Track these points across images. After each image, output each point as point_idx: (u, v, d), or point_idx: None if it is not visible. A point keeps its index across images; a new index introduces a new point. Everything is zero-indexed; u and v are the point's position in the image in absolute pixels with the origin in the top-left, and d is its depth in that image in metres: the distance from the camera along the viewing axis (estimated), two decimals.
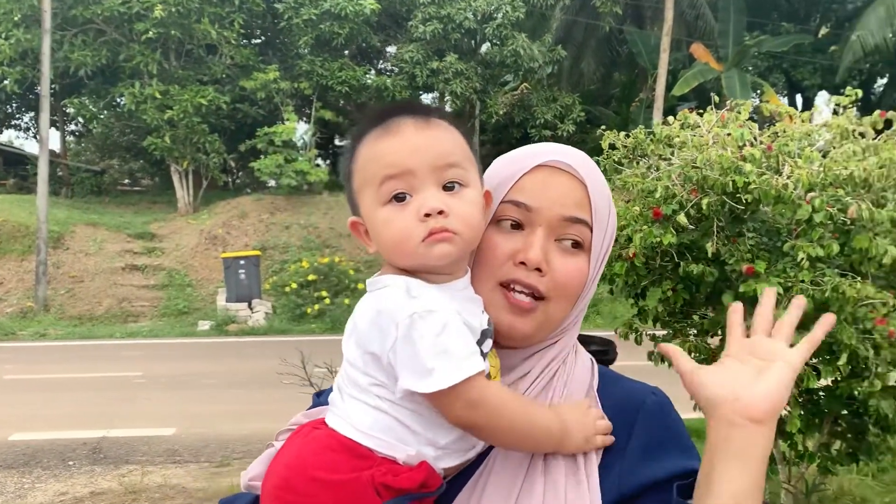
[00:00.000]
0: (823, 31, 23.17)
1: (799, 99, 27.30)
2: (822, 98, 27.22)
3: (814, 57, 24.19)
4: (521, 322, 1.06)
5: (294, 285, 16.31)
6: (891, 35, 20.07)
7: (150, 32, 18.77)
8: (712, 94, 4.78)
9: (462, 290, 1.04)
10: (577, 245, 1.08)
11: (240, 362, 11.66)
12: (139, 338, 14.36)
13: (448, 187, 1.01)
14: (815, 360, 3.75)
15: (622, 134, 4.48)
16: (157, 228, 20.13)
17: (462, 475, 1.04)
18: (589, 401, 1.09)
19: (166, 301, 16.76)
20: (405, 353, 0.94)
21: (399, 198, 1.00)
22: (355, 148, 1.07)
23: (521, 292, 1.06)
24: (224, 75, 20.90)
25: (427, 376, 0.93)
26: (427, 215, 0.98)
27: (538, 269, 1.05)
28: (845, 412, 4.08)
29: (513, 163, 1.12)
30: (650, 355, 4.53)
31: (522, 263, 1.05)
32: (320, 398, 1.24)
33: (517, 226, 1.08)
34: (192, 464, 6.85)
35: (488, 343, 1.03)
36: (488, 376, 0.99)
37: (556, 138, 21.82)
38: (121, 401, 9.03)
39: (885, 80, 26.88)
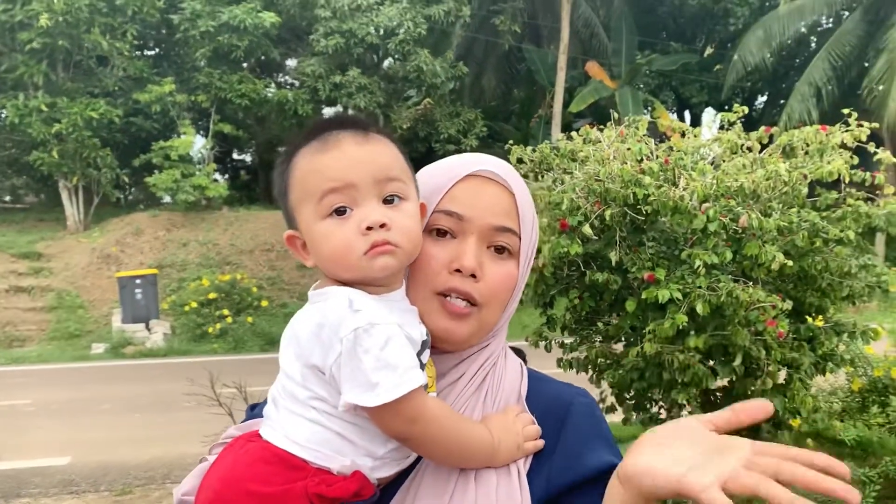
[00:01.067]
0: (709, 50, 24.48)
1: (687, 115, 28.71)
2: (708, 114, 28.77)
3: (700, 75, 25.53)
4: (458, 327, 1.09)
5: (194, 304, 15.79)
6: (769, 55, 21.43)
7: (35, 42, 17.82)
8: (611, 110, 4.99)
9: (399, 301, 1.06)
10: (506, 251, 1.12)
11: (139, 385, 11.18)
12: (26, 363, 13.54)
13: (388, 200, 1.02)
14: (712, 362, 3.97)
15: (529, 149, 4.61)
16: (45, 248, 19.07)
17: (394, 481, 1.06)
18: (518, 407, 1.12)
19: (56, 324, 15.88)
20: (350, 367, 0.95)
21: (340, 211, 1.01)
22: (291, 161, 1.06)
23: (457, 298, 1.09)
24: (116, 88, 20.09)
25: (371, 390, 0.94)
26: (369, 228, 0.99)
27: (473, 276, 1.08)
28: None
29: (443, 172, 1.15)
30: (559, 362, 4.68)
31: (458, 271, 1.08)
32: (254, 411, 1.24)
33: (449, 234, 1.11)
34: (90, 493, 6.52)
35: (426, 354, 1.05)
36: (426, 386, 1.01)
37: (459, 153, 21.98)
38: (9, 431, 8.49)
39: (765, 98, 28.63)
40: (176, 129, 20.83)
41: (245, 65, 21.20)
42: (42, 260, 18.35)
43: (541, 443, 1.09)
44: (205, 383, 5.64)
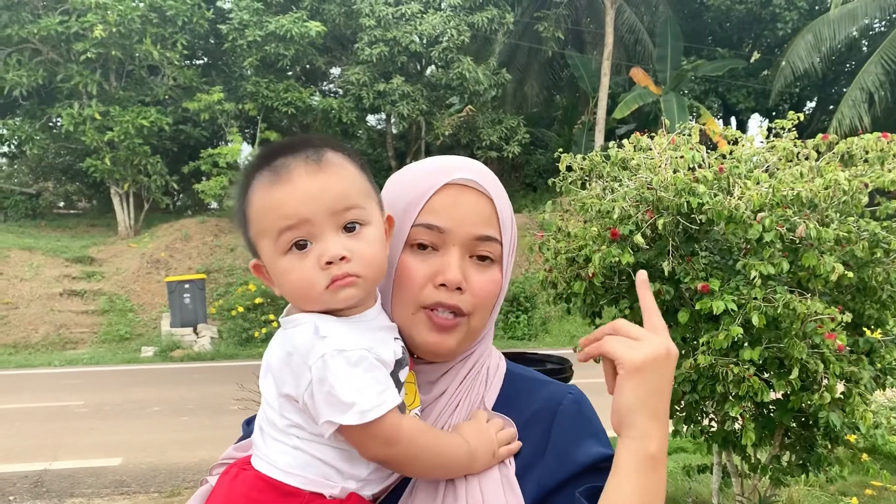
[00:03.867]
0: (756, 56, 24.04)
1: (733, 121, 28.26)
2: (755, 121, 28.27)
3: (747, 81, 25.12)
4: (446, 339, 1.08)
5: (240, 309, 16.05)
6: (818, 60, 20.98)
7: (90, 53, 18.36)
8: (662, 118, 4.93)
9: (373, 319, 1.05)
10: (489, 259, 1.11)
11: (187, 388, 11.38)
12: (79, 365, 13.89)
13: (348, 228, 1.01)
14: (767, 375, 3.88)
15: (579, 156, 4.58)
16: (97, 252, 19.57)
17: (391, 496, 1.07)
18: (485, 413, 1.10)
19: (107, 327, 16.27)
20: (321, 393, 0.95)
21: (300, 245, 0.99)
22: (246, 193, 1.04)
23: (444, 312, 1.08)
24: (166, 96, 20.56)
25: (346, 411, 0.94)
26: (329, 263, 0.98)
27: (458, 289, 1.07)
28: (794, 425, 4.22)
29: (419, 182, 1.12)
30: None
31: (443, 285, 1.07)
32: (249, 426, 1.23)
33: (430, 247, 1.09)
34: (140, 494, 6.65)
35: (404, 371, 1.04)
36: (402, 406, 1.01)
37: (501, 160, 22.11)
38: (63, 431, 8.72)
39: (813, 104, 28.05)
40: (224, 136, 21.24)
41: (291, 73, 21.50)
42: (94, 264, 18.83)
43: (516, 446, 1.08)
44: (251, 388, 5.71)
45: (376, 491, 1.05)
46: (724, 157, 4.33)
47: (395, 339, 1.06)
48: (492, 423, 1.08)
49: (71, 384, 11.91)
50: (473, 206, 1.09)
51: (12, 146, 26.99)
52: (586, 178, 4.62)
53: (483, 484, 1.04)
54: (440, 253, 1.09)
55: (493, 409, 1.13)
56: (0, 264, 17.45)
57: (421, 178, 1.12)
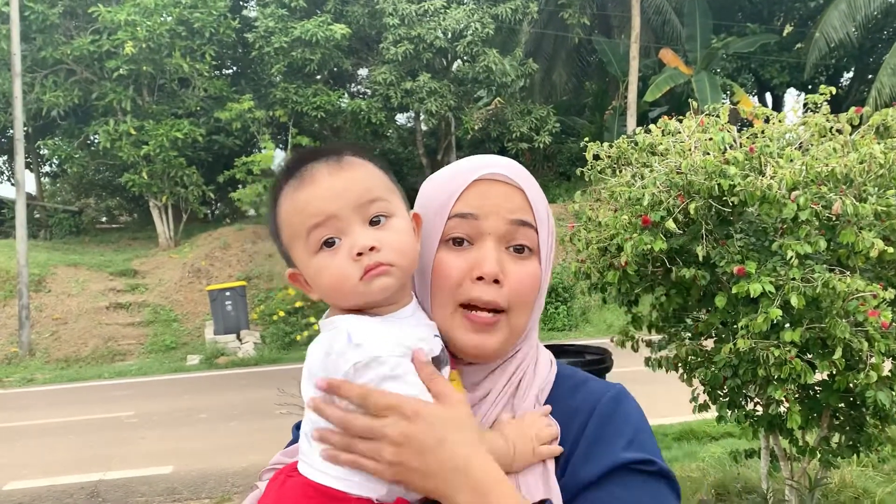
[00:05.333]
0: (788, 29, 23.54)
1: (769, 97, 27.70)
2: (791, 96, 27.67)
3: (780, 55, 24.58)
4: (487, 339, 1.07)
5: (282, 313, 16.23)
6: (853, 30, 20.47)
7: (122, 69, 18.71)
8: (690, 100, 4.86)
9: (409, 317, 1.06)
10: (526, 249, 1.10)
11: (233, 394, 11.56)
12: (128, 377, 14.20)
13: (374, 222, 1.03)
14: (809, 356, 3.80)
15: (605, 144, 4.54)
16: (139, 265, 19.97)
17: None
18: (534, 412, 1.09)
19: (153, 337, 16.60)
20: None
21: (329, 243, 1.02)
22: (276, 203, 1.08)
23: (482, 311, 1.07)
24: (198, 107, 20.85)
25: None
26: (359, 254, 1.00)
27: (496, 281, 1.06)
28: (842, 405, 4.13)
29: (448, 181, 1.13)
30: (647, 361, 4.58)
31: (480, 278, 1.06)
32: (299, 430, 1.23)
33: (466, 241, 1.09)
34: (192, 501, 6.78)
35: (445, 370, 1.04)
36: None
37: (532, 150, 22.00)
38: (115, 442, 8.93)
39: (850, 74, 27.35)
40: (256, 144, 21.48)
41: (318, 77, 21.64)
42: (137, 277, 19.22)
43: (558, 448, 1.06)
44: (294, 392, 5.78)
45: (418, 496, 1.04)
46: (755, 136, 4.25)
47: (435, 336, 1.06)
48: (534, 421, 1.07)
49: (121, 395, 12.19)
50: (505, 196, 1.10)
51: (53, 165, 27.71)
52: (615, 165, 4.58)
53: (521, 480, 1.04)
54: (476, 246, 1.08)
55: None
56: (48, 281, 17.91)
57: (451, 178, 1.13)
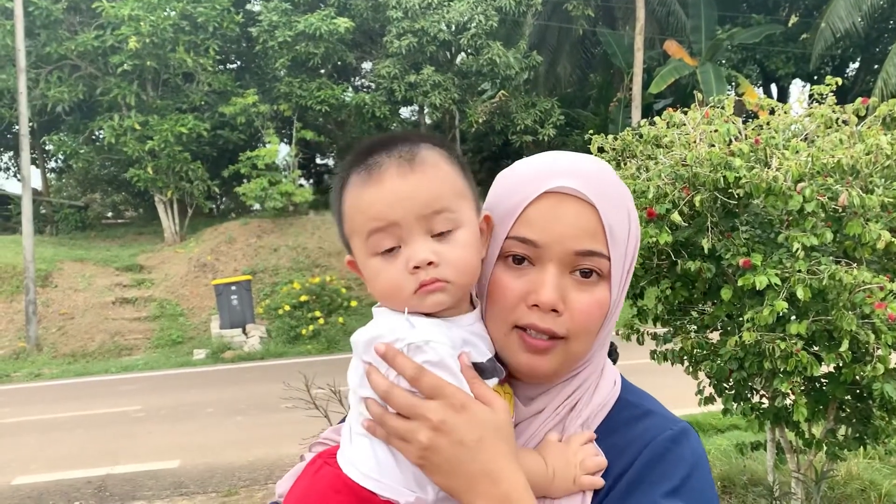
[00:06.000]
0: (793, 20, 23.40)
1: (774, 88, 27.57)
2: (796, 87, 27.55)
3: (786, 46, 24.45)
4: (541, 361, 1.01)
5: (287, 307, 16.27)
6: (859, 20, 20.33)
7: (126, 65, 18.74)
8: (695, 91, 4.83)
9: (469, 325, 1.02)
10: (594, 274, 1.01)
11: (239, 389, 11.60)
12: (135, 371, 14.26)
13: (439, 232, 0.98)
14: (816, 348, 3.79)
15: (610, 137, 4.52)
16: (145, 260, 20.03)
17: None
18: (583, 436, 1.03)
19: (159, 332, 16.66)
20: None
21: (387, 249, 0.98)
22: (343, 190, 1.04)
23: (538, 335, 1.01)
24: (202, 102, 20.88)
25: None
26: (416, 268, 0.96)
27: (554, 310, 0.99)
28: (849, 397, 4.12)
29: (516, 189, 1.04)
30: (652, 354, 4.57)
31: (536, 306, 0.99)
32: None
33: (526, 260, 1.02)
34: (199, 495, 6.80)
35: (492, 381, 1.00)
36: None
37: (536, 143, 21.93)
38: (122, 436, 8.97)
39: (856, 65, 27.19)
40: (261, 138, 21.50)
41: (322, 71, 21.63)
42: (143, 272, 19.28)
43: (600, 481, 1.00)
44: (300, 386, 5.79)
45: None
46: (760, 128, 4.23)
47: (487, 347, 1.03)
48: (580, 449, 1.02)
49: (128, 390, 12.24)
50: (573, 219, 1.00)
51: (59, 161, 27.79)
52: (620, 158, 4.56)
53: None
54: (536, 268, 1.01)
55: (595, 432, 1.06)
56: (54, 277, 17.97)
57: (520, 183, 1.04)
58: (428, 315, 0.99)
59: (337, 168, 1.08)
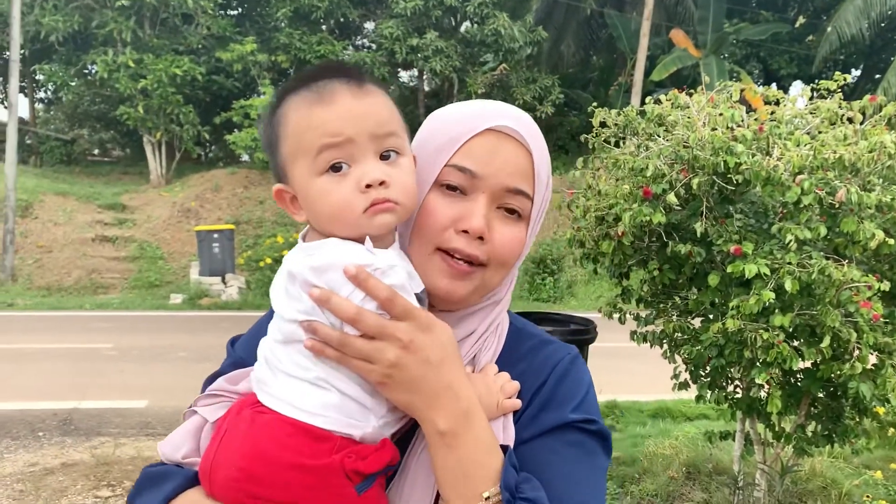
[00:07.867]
0: (801, 20, 23.29)
1: (774, 88, 27.51)
2: (797, 88, 27.51)
3: (791, 46, 24.39)
4: (459, 286, 1.06)
5: (268, 260, 16.16)
6: (866, 26, 20.28)
7: None
8: (703, 75, 4.78)
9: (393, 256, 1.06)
10: (517, 213, 1.09)
11: (213, 336, 11.51)
12: (109, 310, 14.14)
13: (385, 156, 1.00)
14: (797, 343, 3.79)
15: (613, 112, 4.46)
16: (129, 200, 19.79)
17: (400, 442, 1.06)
18: (493, 368, 1.11)
19: (137, 273, 16.52)
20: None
21: (336, 167, 0.98)
22: (282, 112, 1.02)
23: (460, 260, 1.06)
24: (200, 46, 20.51)
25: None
26: (368, 186, 0.97)
27: (480, 238, 1.05)
28: (822, 395, 4.14)
29: (459, 122, 1.08)
30: (632, 335, 4.56)
31: (465, 231, 1.04)
32: (234, 346, 1.26)
33: (459, 190, 1.06)
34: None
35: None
36: None
37: (534, 120, 21.76)
38: (92, 372, 8.89)
39: (858, 72, 27.19)
40: (256, 88, 21.19)
41: (324, 26, 21.31)
42: (126, 211, 19.06)
43: (518, 402, 1.08)
44: None
45: (394, 430, 1.03)
46: (771, 114, 4.18)
47: (419, 281, 1.05)
48: (498, 376, 1.08)
49: (101, 327, 12.13)
50: (511, 157, 1.06)
51: (48, 92, 27.27)
52: (620, 135, 4.51)
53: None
54: (468, 198, 1.06)
55: (499, 360, 1.14)
56: (35, 208, 17.73)
57: (461, 119, 1.09)
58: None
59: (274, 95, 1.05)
